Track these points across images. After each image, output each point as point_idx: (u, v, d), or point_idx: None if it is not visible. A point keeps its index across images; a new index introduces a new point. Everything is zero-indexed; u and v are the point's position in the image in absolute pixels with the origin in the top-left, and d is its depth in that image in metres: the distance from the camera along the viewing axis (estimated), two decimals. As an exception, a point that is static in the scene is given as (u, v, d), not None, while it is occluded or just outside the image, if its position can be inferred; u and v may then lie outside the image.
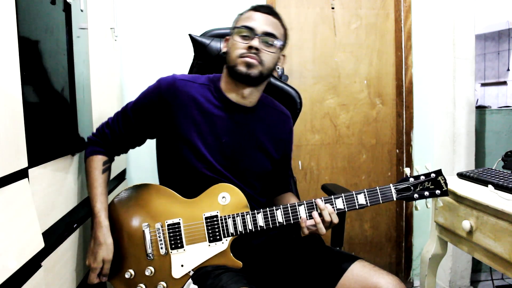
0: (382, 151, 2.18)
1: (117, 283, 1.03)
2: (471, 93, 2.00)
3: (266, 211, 1.03)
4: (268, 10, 1.09)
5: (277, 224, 1.02)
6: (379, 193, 1.02)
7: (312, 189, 2.12)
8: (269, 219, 1.02)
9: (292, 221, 1.02)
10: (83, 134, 1.12)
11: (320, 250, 1.09)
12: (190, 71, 1.41)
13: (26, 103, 0.75)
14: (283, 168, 1.27)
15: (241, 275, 0.97)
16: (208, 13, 1.91)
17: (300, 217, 1.02)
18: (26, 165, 0.75)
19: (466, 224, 1.16)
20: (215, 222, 1.02)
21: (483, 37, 2.77)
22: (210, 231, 1.02)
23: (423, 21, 2.10)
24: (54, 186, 0.92)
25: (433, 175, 1.03)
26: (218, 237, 1.02)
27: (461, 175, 1.38)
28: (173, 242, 1.02)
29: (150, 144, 1.19)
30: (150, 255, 1.02)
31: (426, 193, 1.02)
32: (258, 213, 1.03)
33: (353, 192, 1.03)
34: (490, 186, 1.21)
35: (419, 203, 1.04)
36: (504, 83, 2.69)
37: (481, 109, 2.15)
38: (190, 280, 1.00)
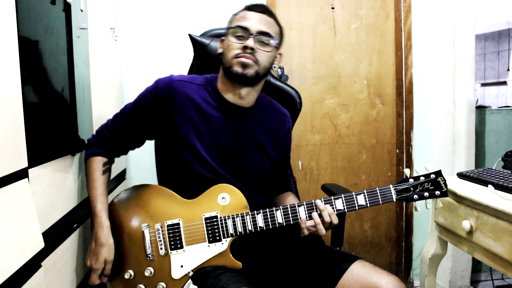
0: (382, 151, 2.18)
1: (116, 283, 1.03)
2: (471, 93, 2.00)
3: (266, 212, 1.03)
4: (262, 9, 1.09)
5: (277, 225, 1.02)
6: (378, 194, 1.02)
7: (312, 189, 2.12)
8: (269, 219, 1.02)
9: (291, 222, 1.02)
10: (83, 134, 1.12)
11: (320, 250, 1.09)
12: (190, 71, 1.41)
13: (26, 103, 0.75)
14: (282, 168, 1.26)
15: (241, 275, 0.97)
16: (208, 13, 1.91)
17: (300, 218, 1.02)
18: (26, 165, 0.75)
19: (466, 224, 1.16)
20: (215, 223, 1.02)
21: (483, 37, 2.77)
22: (209, 232, 1.02)
23: (423, 21, 2.10)
24: (54, 186, 0.92)
25: (432, 176, 1.03)
26: (217, 237, 1.02)
27: (461, 175, 1.38)
28: (172, 242, 1.02)
29: (150, 144, 1.19)
30: (150, 255, 1.01)
31: (426, 194, 1.02)
32: (257, 213, 1.03)
33: (353, 193, 1.03)
34: (490, 186, 1.21)
35: (419, 204, 1.04)
36: (504, 83, 2.69)
37: (481, 109, 2.15)
38: (190, 281, 1.00)
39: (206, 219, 1.03)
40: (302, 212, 1.02)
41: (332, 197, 1.03)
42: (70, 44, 1.02)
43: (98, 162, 1.09)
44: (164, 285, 1.00)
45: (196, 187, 1.06)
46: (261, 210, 1.03)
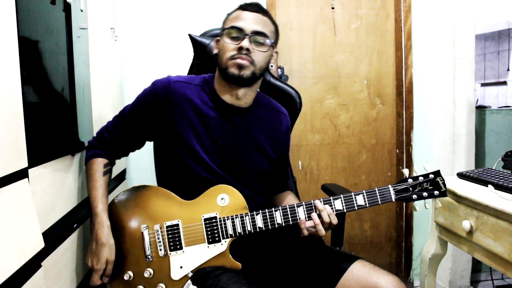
0: (382, 151, 2.18)
1: (116, 285, 1.02)
2: (471, 93, 2.00)
3: (265, 213, 1.03)
4: (256, 8, 1.07)
5: (276, 226, 1.02)
6: (377, 194, 1.02)
7: (312, 189, 2.12)
8: (268, 220, 1.02)
9: (291, 223, 1.02)
10: (83, 134, 1.12)
11: (320, 250, 1.09)
12: (190, 71, 1.41)
13: (26, 103, 0.75)
14: (281, 167, 1.26)
15: (240, 276, 0.97)
16: (208, 13, 1.91)
17: (299, 218, 1.02)
18: (26, 165, 0.75)
19: (466, 224, 1.16)
20: (214, 224, 1.02)
21: (483, 37, 2.77)
22: (209, 233, 1.02)
23: (423, 21, 2.10)
24: (54, 186, 0.92)
25: (431, 176, 1.03)
26: (217, 238, 1.02)
27: (461, 175, 1.38)
28: (172, 243, 1.02)
29: (150, 145, 1.19)
30: (149, 256, 1.01)
31: (425, 194, 1.02)
32: (257, 214, 1.03)
33: (352, 193, 1.03)
34: (490, 186, 1.21)
35: (418, 204, 1.04)
36: (504, 83, 2.69)
37: (481, 109, 2.15)
38: (189, 281, 1.00)
39: (205, 220, 1.03)
40: (301, 212, 1.02)
41: (331, 198, 1.03)
42: (70, 44, 1.02)
43: (99, 163, 1.09)
44: (164, 286, 1.00)
45: (195, 188, 1.06)
46: (260, 211, 1.03)
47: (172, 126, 1.07)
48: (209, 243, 1.02)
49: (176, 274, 1.00)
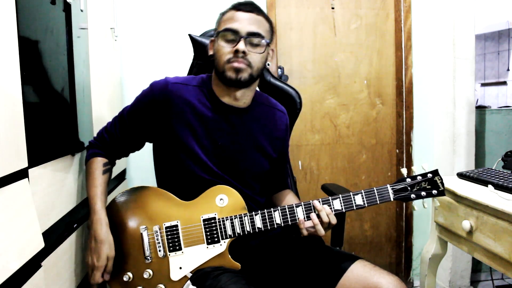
0: (382, 151, 2.18)
1: (115, 286, 1.02)
2: (471, 93, 2.00)
3: (264, 213, 1.03)
4: (250, 7, 1.06)
5: (275, 226, 1.02)
6: (376, 193, 1.02)
7: (312, 189, 2.12)
8: (267, 220, 1.02)
9: (290, 223, 1.02)
10: (83, 134, 1.12)
11: (320, 250, 1.09)
12: (190, 71, 1.41)
13: (26, 103, 0.75)
14: (281, 166, 1.26)
15: (240, 276, 0.97)
16: (208, 13, 1.91)
17: (298, 218, 1.02)
18: (26, 165, 0.75)
19: (466, 224, 1.16)
20: (213, 224, 1.02)
21: (483, 37, 2.77)
22: (208, 233, 1.02)
23: (423, 21, 2.10)
24: (54, 186, 0.91)
25: (429, 175, 1.03)
26: (216, 239, 1.02)
27: (461, 175, 1.38)
28: (171, 244, 1.02)
29: (150, 145, 1.19)
30: (148, 257, 1.01)
31: (423, 193, 1.02)
32: (256, 215, 1.03)
33: (351, 193, 1.03)
34: (490, 186, 1.21)
35: (417, 203, 1.04)
36: (504, 83, 2.69)
37: (481, 109, 2.15)
38: (189, 282, 1.00)
39: (204, 220, 1.03)
40: (300, 212, 1.02)
41: (329, 197, 1.03)
42: (70, 44, 1.02)
43: (98, 162, 1.09)
44: (163, 287, 1.00)
45: (195, 189, 1.06)
46: (259, 211, 1.03)
47: (170, 128, 1.07)
48: (208, 243, 1.02)
49: (175, 274, 1.00)
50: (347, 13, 2.09)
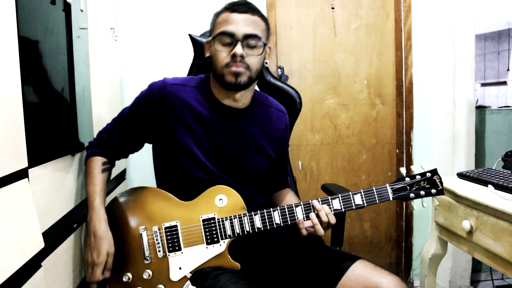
0: (382, 151, 2.18)
1: (115, 286, 1.02)
2: (471, 93, 2.00)
3: (264, 213, 1.03)
4: (245, 7, 1.03)
5: (275, 226, 1.02)
6: (375, 193, 1.02)
7: (312, 189, 2.12)
8: (267, 220, 1.02)
9: (289, 223, 1.02)
10: (83, 134, 1.12)
11: (321, 250, 1.09)
12: (190, 71, 1.41)
13: (26, 103, 0.75)
14: (281, 165, 1.26)
15: (239, 276, 0.97)
16: (208, 13, 1.90)
17: (298, 218, 1.02)
18: (26, 165, 0.75)
19: (466, 224, 1.16)
20: (213, 224, 1.02)
21: (483, 37, 2.77)
22: (207, 234, 1.02)
23: (423, 21, 2.10)
24: (54, 186, 0.91)
25: (428, 174, 1.03)
26: (215, 239, 1.02)
27: (461, 175, 1.38)
28: (170, 245, 1.02)
29: (150, 145, 1.19)
30: (148, 258, 1.01)
31: (422, 192, 1.03)
32: (255, 214, 1.03)
33: (350, 192, 1.03)
34: (490, 186, 1.21)
35: (416, 203, 1.04)
36: (504, 83, 2.69)
37: (481, 109, 2.15)
38: (188, 282, 1.00)
39: (203, 220, 1.03)
40: (299, 212, 1.02)
41: (329, 197, 1.03)
42: (70, 44, 1.02)
43: (97, 161, 1.09)
44: (163, 287, 1.00)
45: (195, 190, 1.06)
46: (258, 211, 1.03)
47: (169, 129, 1.07)
48: (207, 244, 1.02)
49: (175, 275, 1.00)
50: (347, 13, 2.09)
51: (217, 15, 1.07)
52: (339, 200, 1.02)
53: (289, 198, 1.24)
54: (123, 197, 1.07)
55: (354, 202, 1.02)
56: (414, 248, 2.21)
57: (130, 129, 1.10)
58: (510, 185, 1.15)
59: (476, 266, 2.17)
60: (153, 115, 1.07)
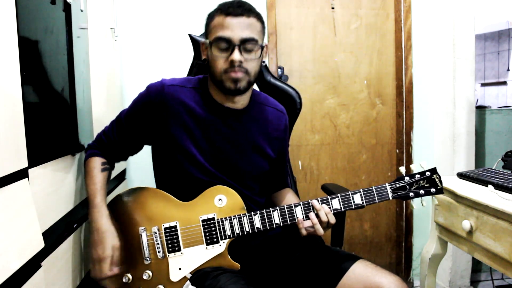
0: (382, 151, 2.18)
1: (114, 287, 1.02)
2: (471, 93, 2.00)
3: (263, 213, 1.02)
4: (240, 9, 0.99)
5: (274, 226, 1.02)
6: (375, 192, 1.02)
7: (312, 189, 2.12)
8: (266, 220, 1.02)
9: (289, 222, 1.02)
10: (82, 134, 1.12)
11: (321, 250, 1.09)
12: (190, 71, 1.41)
13: (26, 103, 0.75)
14: (280, 165, 1.26)
15: (239, 276, 0.97)
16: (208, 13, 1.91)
17: (297, 218, 1.02)
18: (26, 165, 0.75)
19: (466, 224, 1.16)
20: (212, 225, 1.02)
21: (483, 37, 2.77)
22: (207, 234, 1.02)
23: (423, 21, 2.10)
24: (54, 186, 0.92)
25: (428, 173, 1.03)
26: (215, 239, 1.02)
27: (461, 175, 1.38)
28: (170, 245, 1.01)
29: (150, 145, 1.19)
30: (148, 258, 1.01)
31: (422, 191, 1.03)
32: (255, 215, 1.03)
33: (349, 192, 1.03)
34: (490, 186, 1.21)
35: (415, 202, 1.04)
36: (504, 83, 2.69)
37: (481, 109, 2.15)
38: (188, 282, 1.00)
39: (203, 221, 1.03)
40: (299, 212, 1.02)
41: (328, 197, 1.03)
42: (70, 44, 1.02)
43: (96, 161, 1.08)
44: None
45: (194, 191, 1.06)
46: (258, 211, 1.03)
47: (167, 130, 1.06)
48: (207, 244, 1.02)
49: (175, 275, 1.00)
50: (347, 13, 2.09)
51: (211, 17, 1.03)
52: (339, 199, 1.02)
53: (289, 198, 1.24)
54: (122, 198, 1.07)
55: (354, 202, 1.02)
56: (414, 248, 2.21)
57: (129, 131, 1.10)
58: (510, 185, 1.15)
59: (476, 266, 2.17)
60: (151, 116, 1.07)
